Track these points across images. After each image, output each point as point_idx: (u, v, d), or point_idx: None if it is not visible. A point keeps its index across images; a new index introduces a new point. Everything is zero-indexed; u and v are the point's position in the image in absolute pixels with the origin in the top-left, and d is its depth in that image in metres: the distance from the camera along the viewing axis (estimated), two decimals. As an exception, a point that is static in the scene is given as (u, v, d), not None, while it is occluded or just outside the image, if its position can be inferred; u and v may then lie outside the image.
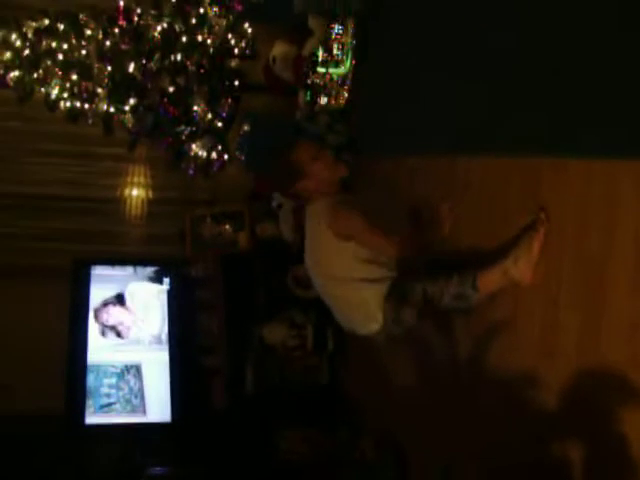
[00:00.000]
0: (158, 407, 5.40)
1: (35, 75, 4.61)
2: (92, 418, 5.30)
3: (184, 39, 4.71)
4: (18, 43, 4.51)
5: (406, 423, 3.92)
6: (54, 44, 4.54)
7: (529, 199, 2.73)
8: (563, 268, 2.51)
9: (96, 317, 5.53)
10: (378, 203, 3.69)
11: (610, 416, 2.26)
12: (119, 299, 5.65)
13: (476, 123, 3.19)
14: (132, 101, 4.76)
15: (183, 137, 5.05)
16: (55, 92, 4.68)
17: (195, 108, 4.94)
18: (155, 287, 5.76)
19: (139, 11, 4.69)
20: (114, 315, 5.58)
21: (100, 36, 4.58)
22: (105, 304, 5.59)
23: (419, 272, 3.15)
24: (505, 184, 2.93)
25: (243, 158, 4.99)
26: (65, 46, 4.55)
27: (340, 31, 4.77)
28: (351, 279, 3.16)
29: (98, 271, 5.73)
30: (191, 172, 5.21)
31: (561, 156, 2.53)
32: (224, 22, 4.91)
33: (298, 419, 4.83)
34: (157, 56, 4.69)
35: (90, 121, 4.84)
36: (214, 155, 5.15)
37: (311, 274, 3.44)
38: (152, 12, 4.70)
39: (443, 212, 3.26)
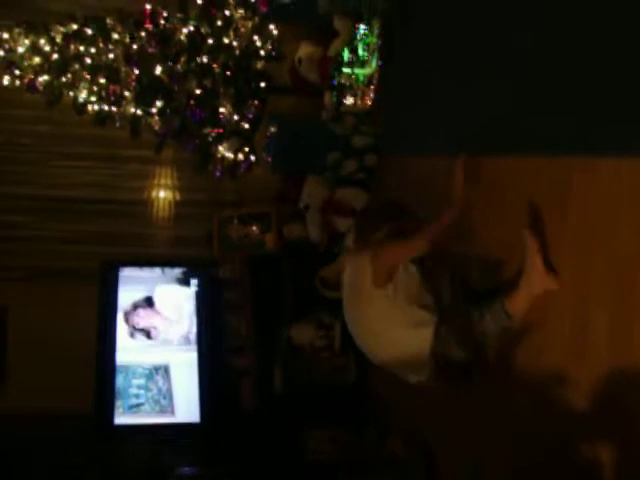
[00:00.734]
0: (187, 407, 5.44)
1: (63, 79, 4.68)
2: (121, 418, 5.34)
3: (210, 41, 4.75)
4: (47, 48, 4.57)
5: (434, 422, 3.91)
6: (82, 48, 4.60)
7: (558, 199, 2.71)
8: (594, 268, 2.49)
9: (126, 320, 5.57)
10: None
11: (641, 416, 2.25)
12: (148, 302, 5.69)
13: (502, 122, 3.18)
14: (159, 104, 4.80)
15: (210, 139, 5.08)
16: (83, 96, 4.74)
17: (222, 110, 4.97)
18: (183, 289, 5.79)
19: (165, 14, 4.74)
20: (145, 318, 5.61)
21: (127, 40, 4.63)
22: (135, 307, 5.62)
23: (452, 314, 3.15)
24: (534, 184, 2.92)
25: (270, 160, 5.00)
26: (93, 50, 4.61)
27: (366, 31, 4.77)
28: (395, 329, 3.16)
29: (126, 273, 5.77)
30: (218, 174, 5.24)
31: (590, 155, 2.52)
32: (249, 24, 4.95)
33: (326, 419, 4.83)
34: (183, 59, 4.73)
35: (118, 124, 4.90)
36: (241, 157, 5.18)
37: (354, 335, 3.39)
38: (178, 15, 4.75)
39: (458, 167, 3.26)
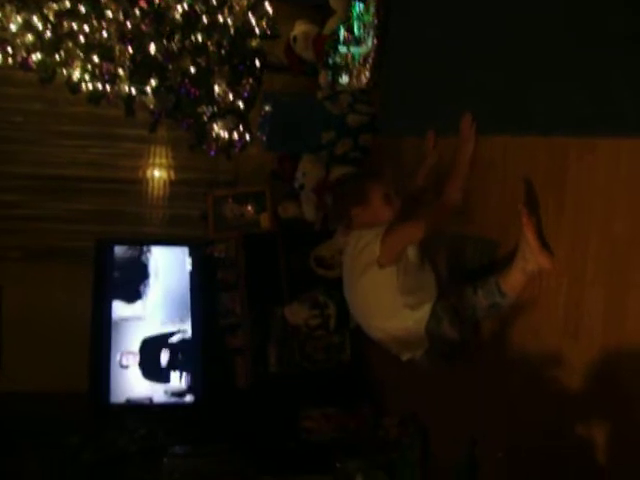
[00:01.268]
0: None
1: (57, 57, 4.62)
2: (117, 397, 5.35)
3: (205, 20, 4.69)
4: (40, 25, 4.51)
5: (429, 402, 3.93)
6: (75, 26, 4.54)
7: (556, 178, 2.71)
8: (589, 247, 2.49)
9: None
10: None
11: (634, 396, 2.26)
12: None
13: (499, 102, 3.16)
14: (153, 82, 4.76)
15: (204, 118, 5.05)
16: (77, 74, 4.69)
17: (216, 89, 4.94)
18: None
19: (159, -8, 4.68)
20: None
21: (121, 17, 4.57)
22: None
23: (448, 292, 3.17)
24: (530, 163, 2.91)
25: (264, 138, 4.98)
26: (86, 28, 4.55)
27: (361, 9, 4.74)
28: (393, 310, 3.17)
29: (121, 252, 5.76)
30: (212, 153, 5.22)
31: (589, 135, 2.51)
32: (244, 2, 4.90)
33: (321, 398, 4.84)
34: (178, 37, 4.68)
35: (112, 103, 4.86)
36: (235, 136, 5.16)
37: (352, 310, 3.45)
38: (172, -7, 4.69)
39: (466, 124, 3.29)
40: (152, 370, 5.51)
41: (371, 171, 3.37)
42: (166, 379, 5.49)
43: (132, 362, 5.49)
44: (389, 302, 3.16)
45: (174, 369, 5.54)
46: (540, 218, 2.79)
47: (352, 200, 3.26)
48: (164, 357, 5.55)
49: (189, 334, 5.60)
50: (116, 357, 5.45)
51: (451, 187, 3.26)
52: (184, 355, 5.58)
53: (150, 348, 5.55)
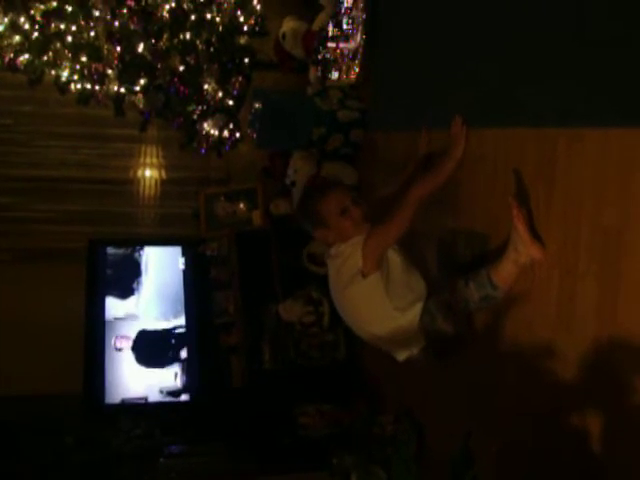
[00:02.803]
0: (177, 386, 5.46)
1: (45, 58, 4.61)
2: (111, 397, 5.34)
3: (193, 17, 4.68)
4: (27, 26, 4.49)
5: (424, 398, 3.93)
6: (63, 26, 4.52)
7: (546, 170, 2.71)
8: (580, 239, 2.49)
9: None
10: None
11: (628, 387, 2.26)
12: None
13: (489, 93, 3.16)
14: (142, 81, 4.75)
15: (194, 116, 5.04)
16: (65, 74, 4.68)
17: (206, 87, 4.93)
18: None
19: (147, -10, 4.67)
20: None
21: (108, 17, 4.55)
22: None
23: (439, 287, 3.16)
24: (520, 155, 2.91)
25: (255, 136, 4.97)
26: (74, 28, 4.53)
27: (350, 5, 4.73)
28: (385, 315, 3.16)
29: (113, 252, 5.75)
30: (203, 151, 5.22)
31: (576, 126, 2.51)
32: (232, -1, 4.89)
33: (316, 395, 4.84)
34: (166, 35, 4.67)
35: (101, 102, 4.84)
36: (226, 133, 5.15)
37: (345, 320, 3.42)
38: (160, -9, 4.68)
39: (456, 127, 3.26)
40: (145, 355, 5.51)
41: (320, 190, 3.27)
42: (160, 364, 5.48)
43: (125, 345, 5.50)
44: (379, 308, 3.15)
45: (169, 357, 5.53)
46: (530, 209, 2.78)
47: (312, 226, 3.23)
48: (159, 344, 5.55)
49: (184, 330, 5.59)
50: (111, 341, 5.47)
51: (421, 185, 3.15)
52: (179, 347, 5.57)
53: (146, 336, 5.56)
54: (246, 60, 5.06)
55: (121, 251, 5.82)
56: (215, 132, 5.12)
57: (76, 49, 4.57)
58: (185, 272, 5.70)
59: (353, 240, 3.13)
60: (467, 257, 3.25)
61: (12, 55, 4.54)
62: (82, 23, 4.53)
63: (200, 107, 4.99)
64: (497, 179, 3.09)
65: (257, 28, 5.02)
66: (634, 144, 2.20)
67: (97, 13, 4.54)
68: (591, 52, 2.42)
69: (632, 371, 2.26)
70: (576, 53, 2.51)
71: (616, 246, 2.29)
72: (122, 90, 4.76)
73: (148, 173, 6.08)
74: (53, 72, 4.66)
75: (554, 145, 2.65)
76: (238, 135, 5.20)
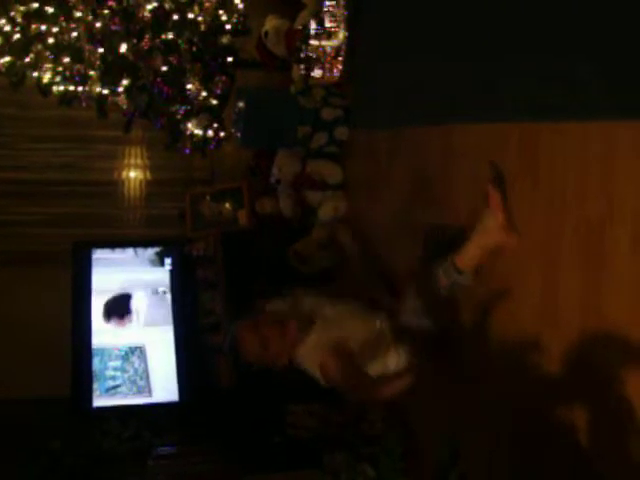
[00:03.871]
0: (165, 387, 5.41)
1: (26, 60, 4.58)
2: (99, 401, 5.31)
3: (175, 17, 4.66)
4: (7, 28, 4.47)
5: (410, 397, 3.92)
6: (44, 27, 4.49)
7: (527, 164, 2.71)
8: (563, 231, 2.49)
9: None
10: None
11: (613, 378, 2.26)
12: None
13: (470, 89, 3.16)
14: (125, 82, 4.73)
15: (178, 116, 5.02)
16: (47, 76, 4.65)
17: (189, 86, 4.91)
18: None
19: (128, -10, 4.64)
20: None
21: (90, 17, 4.53)
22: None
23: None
24: (502, 149, 2.91)
25: (239, 135, 4.96)
26: (55, 29, 4.51)
27: (332, 2, 4.72)
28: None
29: (99, 254, 5.70)
30: (187, 151, 5.20)
31: (555, 120, 2.51)
32: (214, -2, 4.87)
33: (304, 394, 4.83)
34: (148, 35, 4.65)
35: (84, 104, 4.82)
36: (210, 133, 5.13)
37: None
38: (141, -9, 4.66)
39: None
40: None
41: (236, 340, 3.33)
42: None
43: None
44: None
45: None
46: (506, 195, 2.78)
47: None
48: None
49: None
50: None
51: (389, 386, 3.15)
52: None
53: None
54: (229, 59, 5.04)
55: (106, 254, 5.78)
56: (199, 132, 5.10)
57: (58, 50, 4.55)
58: (172, 273, 5.67)
59: (309, 341, 3.21)
60: (444, 248, 3.26)
61: (-8, 57, 4.52)
62: (63, 24, 4.51)
63: (184, 107, 4.97)
64: (479, 174, 3.09)
65: (239, 27, 5.00)
66: (614, 136, 2.21)
67: (78, 14, 4.52)
68: (569, 46, 2.42)
69: (617, 362, 2.26)
70: (555, 46, 2.52)
71: (600, 238, 2.29)
72: (105, 91, 4.73)
73: (133, 174, 6.07)
74: (35, 74, 4.64)
75: (536, 139, 2.65)
76: (222, 135, 5.19)
